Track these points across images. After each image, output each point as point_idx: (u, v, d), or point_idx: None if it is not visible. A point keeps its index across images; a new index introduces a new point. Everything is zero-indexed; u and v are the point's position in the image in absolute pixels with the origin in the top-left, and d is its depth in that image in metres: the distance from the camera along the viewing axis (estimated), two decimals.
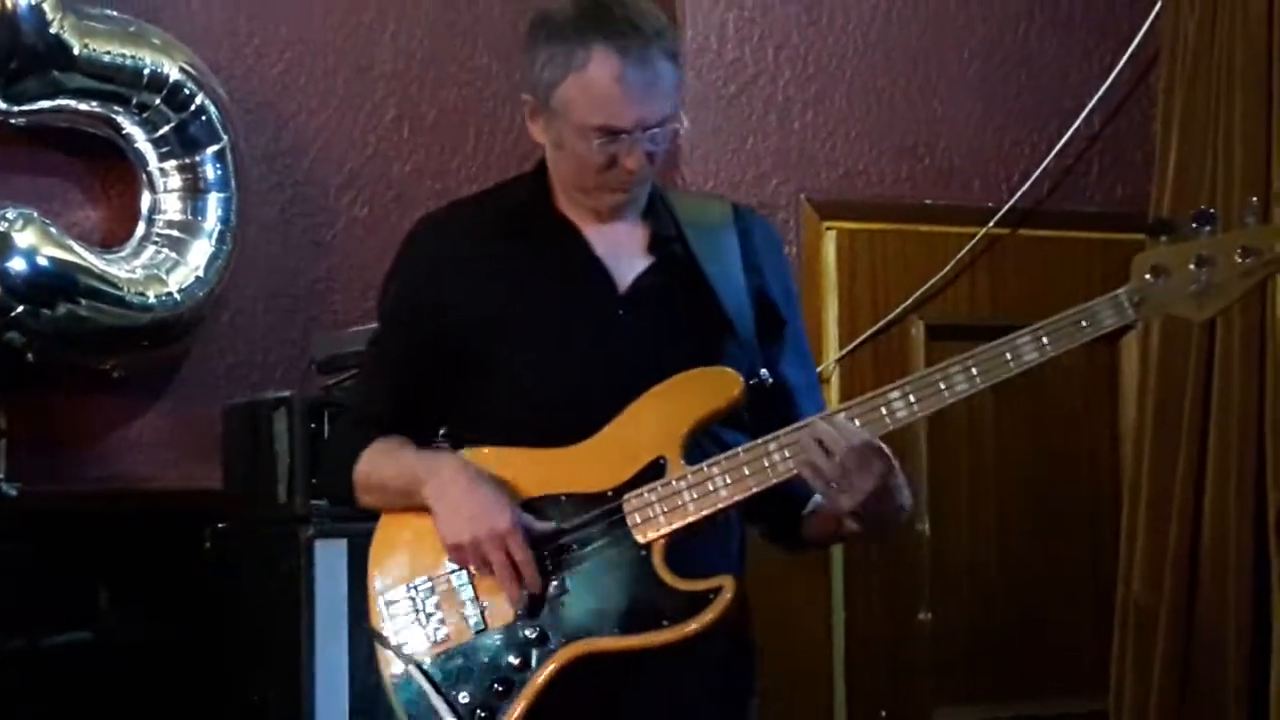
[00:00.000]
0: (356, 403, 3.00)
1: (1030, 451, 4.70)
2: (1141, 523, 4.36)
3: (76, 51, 4.01)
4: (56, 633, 4.02)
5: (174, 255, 4.15)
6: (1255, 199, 2.75)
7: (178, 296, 4.13)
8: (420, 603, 2.75)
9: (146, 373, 4.22)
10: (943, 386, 2.69)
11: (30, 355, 4.04)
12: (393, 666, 2.75)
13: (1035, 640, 4.65)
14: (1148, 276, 2.68)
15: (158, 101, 4.10)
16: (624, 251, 2.82)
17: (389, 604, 2.77)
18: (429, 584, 2.75)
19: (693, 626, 2.64)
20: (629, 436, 2.72)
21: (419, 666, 2.72)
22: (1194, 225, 2.69)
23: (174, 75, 4.11)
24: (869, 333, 4.53)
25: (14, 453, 3.97)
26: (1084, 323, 2.69)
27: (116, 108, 4.10)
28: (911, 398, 2.69)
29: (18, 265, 3.98)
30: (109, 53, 4.06)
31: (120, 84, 4.07)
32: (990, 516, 4.67)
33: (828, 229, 4.55)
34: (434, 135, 4.56)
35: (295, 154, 4.42)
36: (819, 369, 4.45)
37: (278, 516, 3.80)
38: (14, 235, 3.98)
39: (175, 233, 4.17)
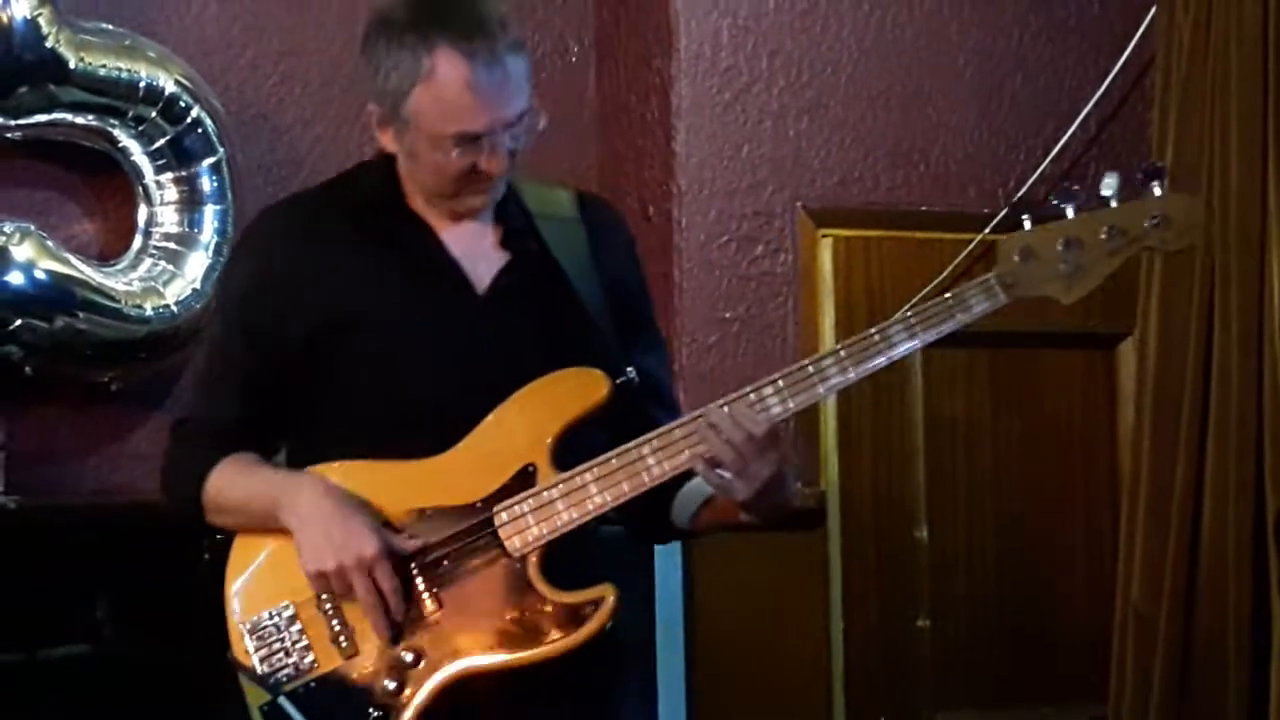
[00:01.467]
0: (197, 414, 2.84)
1: (1028, 458, 4.71)
2: (1140, 528, 4.36)
3: (72, 65, 4.00)
4: (55, 645, 4.00)
5: (171, 268, 4.15)
6: (1116, 174, 2.73)
7: (175, 309, 4.12)
8: (283, 628, 2.64)
9: (144, 385, 4.20)
10: (815, 379, 2.64)
11: (28, 368, 4.03)
12: (259, 698, 2.64)
13: (1034, 646, 4.66)
14: (1016, 259, 2.68)
15: (154, 114, 4.10)
16: (479, 249, 2.73)
17: (250, 631, 2.66)
18: (291, 609, 2.64)
19: (574, 639, 2.58)
20: (495, 444, 2.64)
21: (290, 696, 2.61)
22: (1057, 203, 2.69)
23: (170, 88, 4.10)
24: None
25: (12, 465, 3.98)
26: (955, 308, 2.68)
27: (112, 121, 4.09)
28: (785, 392, 2.63)
29: (15, 279, 3.97)
30: (104, 66, 4.05)
31: (116, 97, 4.06)
32: (988, 523, 4.67)
33: (823, 236, 4.55)
34: None
35: (291, 165, 4.42)
36: None
37: None
38: (11, 249, 3.97)
39: (172, 245, 4.16)
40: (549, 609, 2.60)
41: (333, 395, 2.71)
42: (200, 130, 4.15)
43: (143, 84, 4.08)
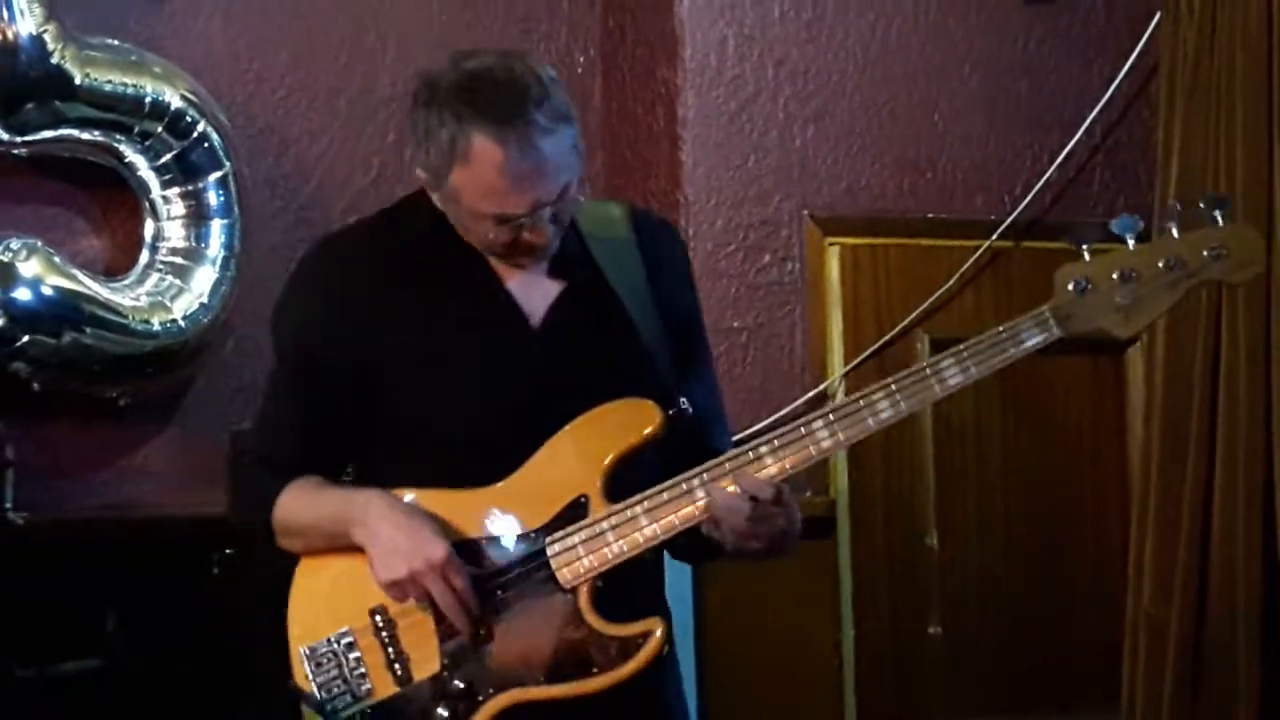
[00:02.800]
0: (259, 444, 2.84)
1: (1038, 464, 4.69)
2: (1150, 534, 4.35)
3: (78, 81, 4.01)
4: (65, 660, 4.01)
5: (178, 282, 4.15)
6: (1176, 202, 2.68)
7: (182, 323, 4.13)
8: (343, 655, 2.66)
9: (152, 400, 4.22)
10: (867, 414, 2.64)
11: (36, 384, 4.04)
12: None
13: (1046, 653, 4.64)
14: (1071, 290, 2.63)
15: (159, 129, 4.10)
16: (532, 279, 2.73)
17: (309, 657, 2.68)
18: (350, 636, 2.66)
19: (623, 673, 2.60)
20: (548, 475, 2.65)
21: None
22: (1116, 233, 2.65)
23: (175, 103, 4.11)
24: (874, 348, 4.53)
25: (20, 481, 3.98)
26: (1008, 343, 2.64)
27: (119, 136, 4.10)
28: (836, 426, 2.64)
29: (23, 295, 3.98)
30: (110, 82, 4.05)
31: (122, 113, 4.07)
32: (999, 529, 4.66)
33: (830, 244, 4.55)
34: None
35: (298, 178, 4.42)
36: (824, 385, 4.48)
37: None
38: (18, 265, 3.98)
39: (179, 260, 4.17)
40: (599, 641, 2.62)
41: (387, 428, 2.72)
42: (206, 145, 4.15)
43: (148, 99, 4.08)
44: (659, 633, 2.62)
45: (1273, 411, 4.16)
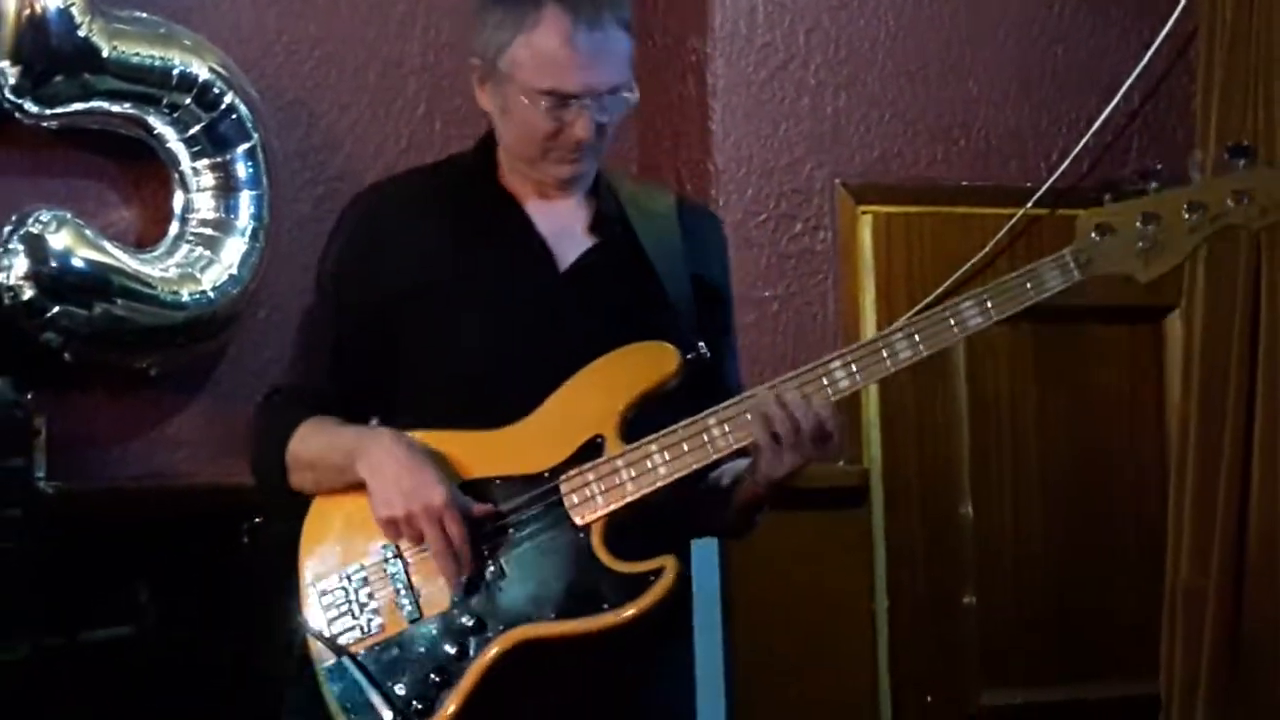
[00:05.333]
0: (289, 380, 2.91)
1: (1074, 432, 4.66)
2: (1189, 503, 4.33)
3: (106, 54, 4.03)
4: (96, 628, 4.04)
5: (208, 253, 4.17)
6: (1198, 151, 2.67)
7: (212, 294, 4.15)
8: (353, 592, 2.69)
9: (183, 371, 4.24)
10: (885, 355, 2.66)
11: (67, 355, 4.07)
12: (325, 658, 2.68)
13: (1083, 622, 4.61)
14: (1093, 235, 2.63)
15: (188, 101, 4.12)
16: (566, 230, 2.78)
17: (322, 594, 2.71)
18: (361, 573, 2.69)
19: (632, 610, 2.60)
20: (564, 415, 2.67)
21: (354, 658, 2.65)
22: (1140, 181, 2.64)
23: (203, 75, 4.12)
24: (906, 317, 4.49)
25: (52, 451, 3.98)
26: (1029, 285, 2.65)
27: (148, 108, 4.12)
28: (854, 367, 2.66)
29: (53, 266, 4.00)
30: (138, 54, 4.07)
31: (150, 85, 4.09)
32: (1034, 498, 4.62)
33: (863, 213, 4.52)
34: (465, 128, 4.51)
35: (328, 150, 4.43)
36: None
37: None
38: (49, 237, 4.01)
39: (209, 231, 4.19)
40: (611, 579, 2.63)
41: (410, 364, 2.77)
42: (235, 116, 4.17)
43: (176, 71, 4.10)
44: (670, 568, 2.62)
45: None
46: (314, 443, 2.76)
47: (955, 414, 4.53)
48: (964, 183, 4.60)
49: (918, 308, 4.47)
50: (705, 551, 4.18)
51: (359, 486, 2.69)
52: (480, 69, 2.74)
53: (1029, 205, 4.57)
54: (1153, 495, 4.62)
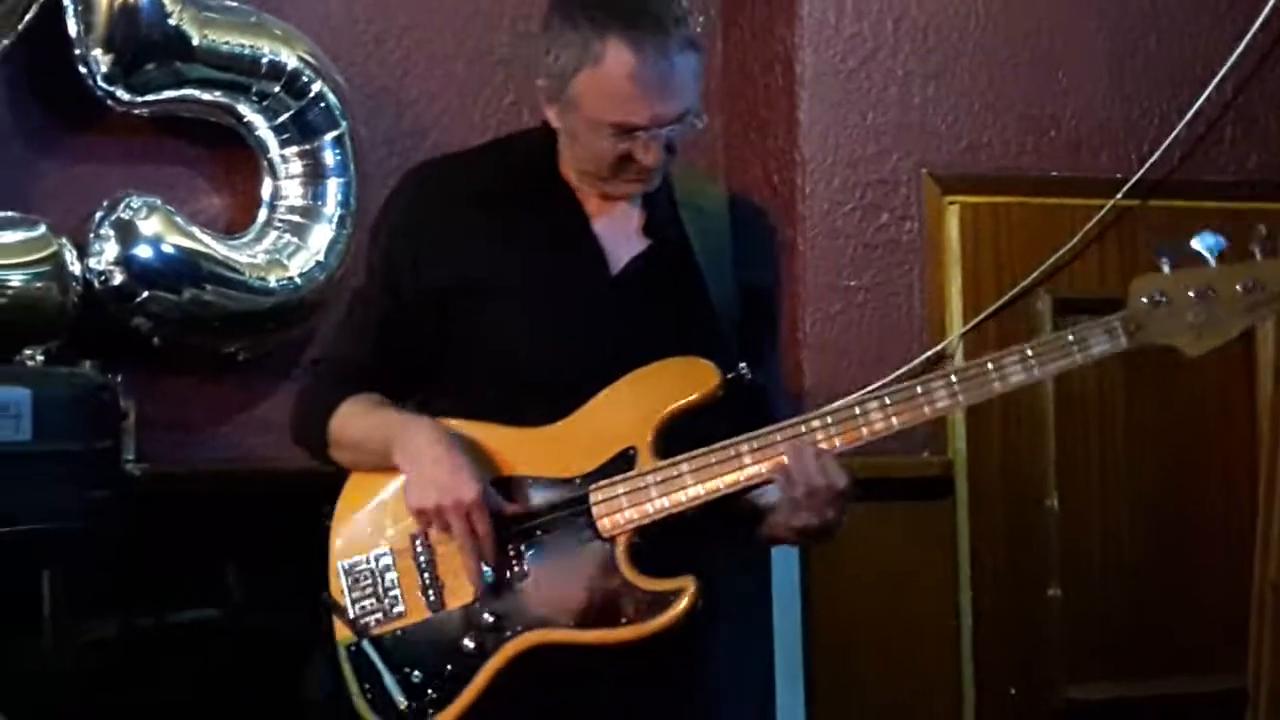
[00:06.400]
0: (332, 355, 2.93)
1: (1162, 427, 4.61)
2: (1277, 500, 4.27)
3: (196, 42, 4.08)
4: (184, 609, 4.10)
5: (295, 240, 4.22)
6: (1263, 227, 2.63)
7: (299, 280, 4.19)
8: (379, 575, 2.71)
9: (270, 355, 4.28)
10: (923, 402, 2.64)
11: (157, 340, 4.12)
12: (346, 638, 2.72)
13: (1170, 617, 4.57)
14: (1145, 302, 2.60)
15: (277, 89, 4.16)
16: (620, 230, 2.77)
17: (347, 572, 2.74)
18: (389, 557, 2.71)
19: (650, 627, 2.62)
20: (601, 423, 2.67)
21: (373, 641, 2.68)
22: (1199, 253, 2.58)
23: (292, 64, 4.16)
24: (993, 307, 4.47)
25: (141, 434, 4.04)
26: (1075, 347, 2.62)
27: (237, 96, 4.17)
28: (890, 409, 2.64)
29: (144, 252, 4.06)
30: (228, 43, 4.12)
31: (240, 73, 4.13)
32: (1122, 493, 4.58)
33: (950, 203, 4.50)
34: None
35: (415, 137, 4.46)
36: (942, 345, 4.44)
37: None
38: (139, 223, 4.07)
39: (296, 218, 4.23)
40: (631, 593, 2.64)
41: (455, 353, 2.77)
42: (323, 105, 4.20)
43: (265, 60, 4.14)
44: (691, 590, 2.62)
45: None
46: (357, 424, 2.79)
47: (1041, 407, 4.50)
48: (1053, 173, 4.57)
49: (1002, 300, 4.47)
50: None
51: (395, 469, 2.71)
52: (547, 90, 2.72)
53: (1119, 196, 4.53)
54: (1242, 491, 4.57)
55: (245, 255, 4.17)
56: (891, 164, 4.48)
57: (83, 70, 4.04)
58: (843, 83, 4.47)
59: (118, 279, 4.04)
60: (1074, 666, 4.51)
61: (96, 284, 4.04)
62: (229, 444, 4.28)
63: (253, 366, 4.28)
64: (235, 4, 4.21)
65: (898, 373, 4.35)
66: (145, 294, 4.06)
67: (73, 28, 4.01)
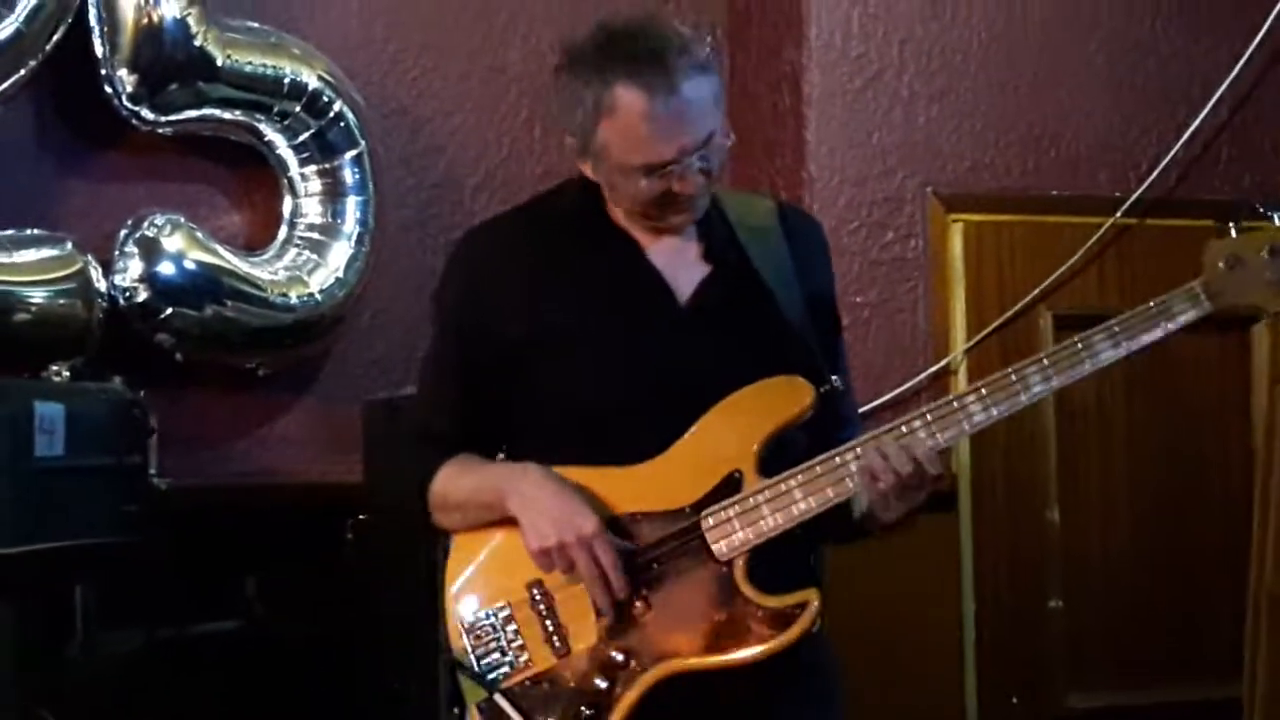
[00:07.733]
0: (419, 420, 2.90)
1: (1162, 438, 4.70)
2: (1273, 510, 4.32)
3: (219, 63, 4.15)
4: (205, 621, 4.15)
5: (315, 257, 4.28)
6: None
7: (319, 297, 4.25)
8: (500, 628, 2.71)
9: (290, 371, 4.35)
10: (1018, 388, 2.67)
11: (179, 355, 4.19)
12: (476, 695, 2.69)
13: (1168, 626, 4.65)
14: (1222, 266, 2.66)
15: (298, 109, 4.23)
16: (681, 261, 2.77)
17: (469, 630, 2.73)
18: (507, 610, 2.71)
19: (779, 642, 2.62)
20: (702, 451, 2.68)
21: (505, 694, 2.67)
22: (1263, 211, 2.67)
23: (313, 83, 4.23)
24: (996, 324, 4.55)
25: (164, 449, 4.10)
26: (1160, 316, 2.67)
27: (259, 116, 4.24)
28: (988, 399, 2.66)
29: (166, 269, 4.13)
30: (250, 63, 4.19)
31: (262, 93, 4.21)
32: (1121, 503, 4.67)
33: (954, 221, 4.58)
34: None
35: (431, 156, 4.53)
36: (946, 361, 4.52)
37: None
38: (163, 240, 4.13)
39: (316, 235, 4.30)
40: (755, 612, 2.64)
41: (537, 404, 2.77)
42: (342, 124, 4.28)
43: (287, 80, 4.21)
44: (815, 602, 2.64)
45: None
46: (459, 484, 2.78)
47: (1043, 421, 4.58)
48: (1054, 192, 4.65)
49: (1005, 316, 4.55)
50: None
51: (502, 524, 2.72)
52: (575, 147, 2.72)
53: (1118, 215, 4.62)
54: (1239, 501, 4.64)
55: (266, 272, 4.23)
56: (897, 183, 4.56)
57: (108, 90, 4.11)
58: (849, 103, 4.54)
59: (142, 295, 4.11)
60: (1075, 676, 4.59)
61: (121, 300, 4.11)
62: (249, 458, 4.35)
63: (273, 382, 4.35)
64: (256, 25, 4.27)
65: (902, 388, 4.44)
66: (168, 310, 4.13)
67: (99, 49, 4.08)
